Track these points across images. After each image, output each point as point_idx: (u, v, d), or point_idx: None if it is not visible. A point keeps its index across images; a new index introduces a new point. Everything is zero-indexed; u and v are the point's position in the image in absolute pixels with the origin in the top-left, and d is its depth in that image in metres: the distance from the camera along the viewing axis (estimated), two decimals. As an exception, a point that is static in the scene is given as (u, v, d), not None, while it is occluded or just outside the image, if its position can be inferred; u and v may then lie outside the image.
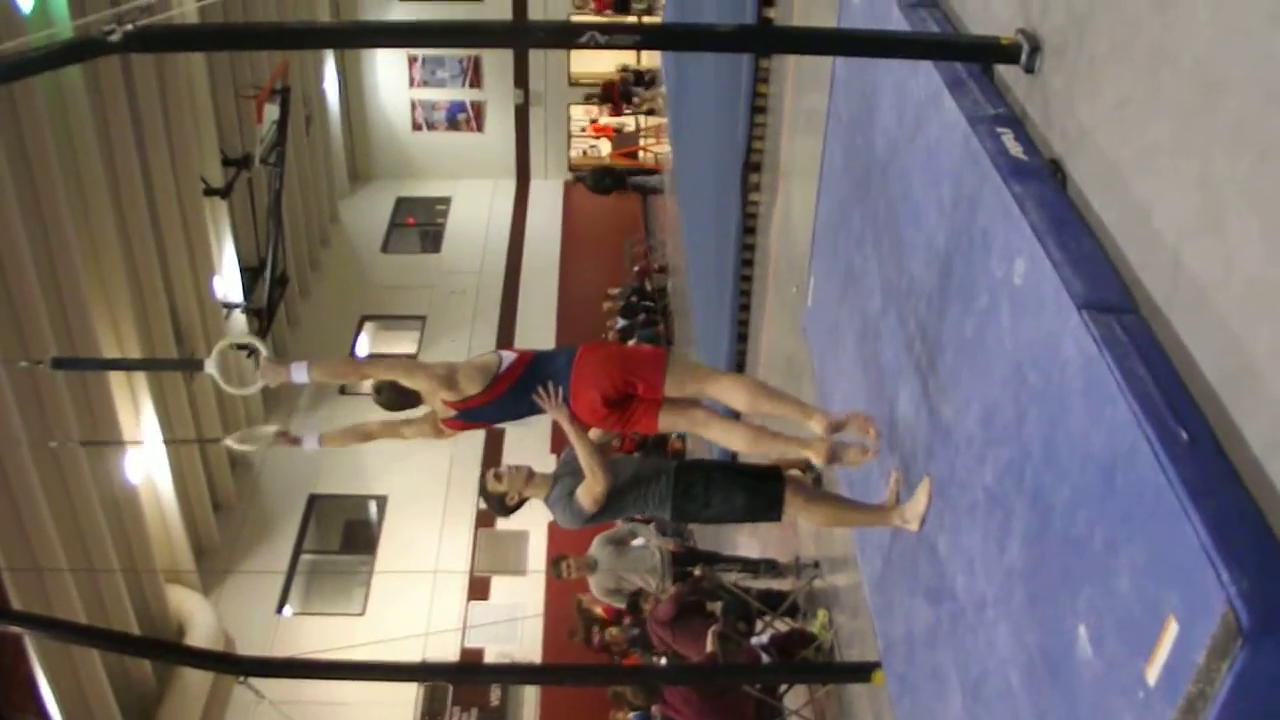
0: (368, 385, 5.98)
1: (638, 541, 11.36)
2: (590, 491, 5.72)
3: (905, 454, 5.46)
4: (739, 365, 13.59)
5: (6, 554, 13.52)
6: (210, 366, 5.92)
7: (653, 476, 5.83)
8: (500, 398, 5.70)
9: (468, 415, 5.80)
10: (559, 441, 21.51)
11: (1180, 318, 3.39)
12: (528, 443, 22.16)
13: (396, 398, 5.89)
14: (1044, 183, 4.07)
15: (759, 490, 5.83)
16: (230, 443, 6.19)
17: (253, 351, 6.09)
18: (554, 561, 11.19)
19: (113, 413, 16.41)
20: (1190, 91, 3.33)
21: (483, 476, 6.04)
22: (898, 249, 5.64)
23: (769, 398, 5.75)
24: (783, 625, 9.93)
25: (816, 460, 5.64)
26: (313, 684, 7.24)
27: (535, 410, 5.83)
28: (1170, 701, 2.95)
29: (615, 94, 31.05)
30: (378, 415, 6.11)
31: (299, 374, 5.59)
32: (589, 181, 26.66)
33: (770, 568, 10.83)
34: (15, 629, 6.83)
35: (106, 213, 16.76)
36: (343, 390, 23.89)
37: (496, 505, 6.09)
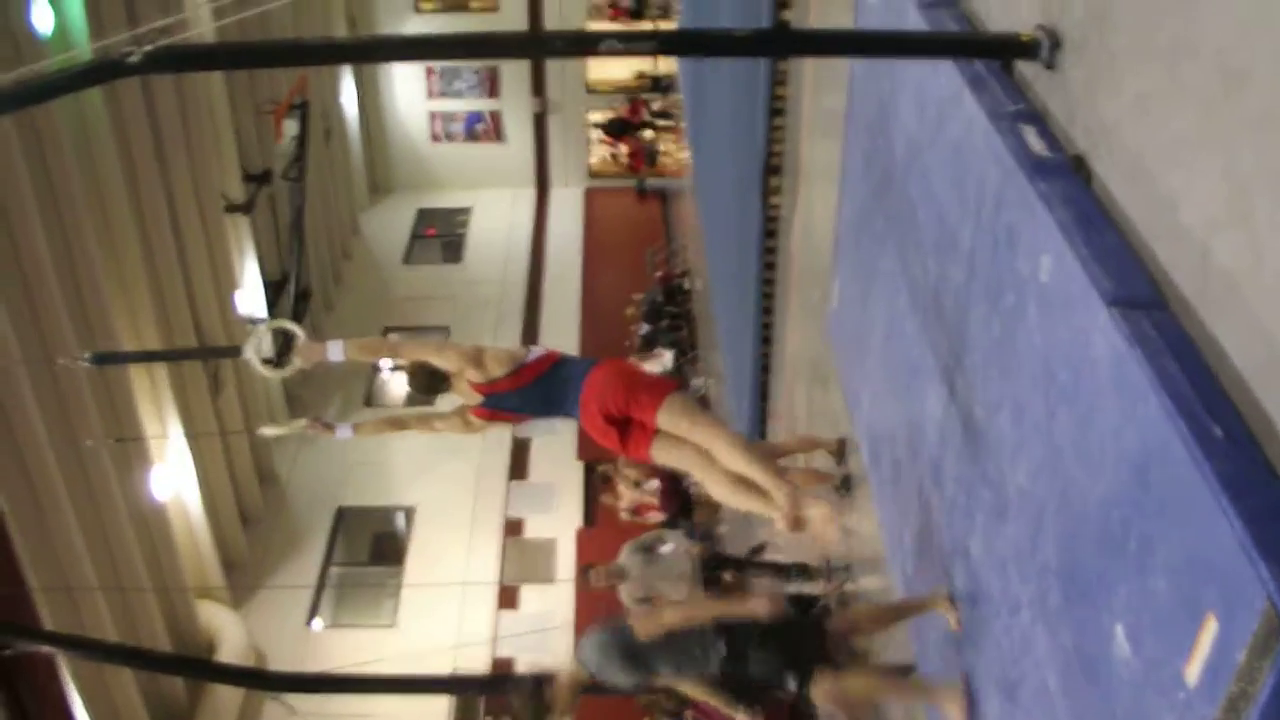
0: (396, 393, 6.10)
1: (666, 548, 11.33)
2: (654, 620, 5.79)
3: (935, 455, 5.43)
4: (764, 368, 13.55)
5: (37, 574, 13.57)
6: (248, 351, 6.04)
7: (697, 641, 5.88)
8: (525, 387, 5.87)
9: (492, 402, 5.91)
10: (584, 449, 21.46)
11: (1211, 311, 3.35)
12: (552, 453, 22.22)
13: (427, 382, 6.03)
14: (1068, 179, 4.04)
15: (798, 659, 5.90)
16: (265, 430, 6.31)
17: (290, 337, 6.17)
18: (583, 569, 11.19)
19: (137, 424, 16.47)
20: (1213, 82, 3.30)
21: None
22: (921, 249, 5.61)
23: (750, 465, 5.79)
24: (815, 629, 9.87)
25: (779, 523, 5.72)
26: (344, 697, 7.23)
27: (555, 412, 5.91)
28: (1211, 701, 2.91)
29: (631, 117, 31.12)
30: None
31: (334, 352, 5.77)
32: (605, 126, 28.55)
33: (801, 571, 10.78)
34: (48, 649, 6.84)
35: (129, 231, 16.85)
36: (368, 402, 23.98)
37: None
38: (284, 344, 6.26)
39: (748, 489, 5.86)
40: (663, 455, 5.91)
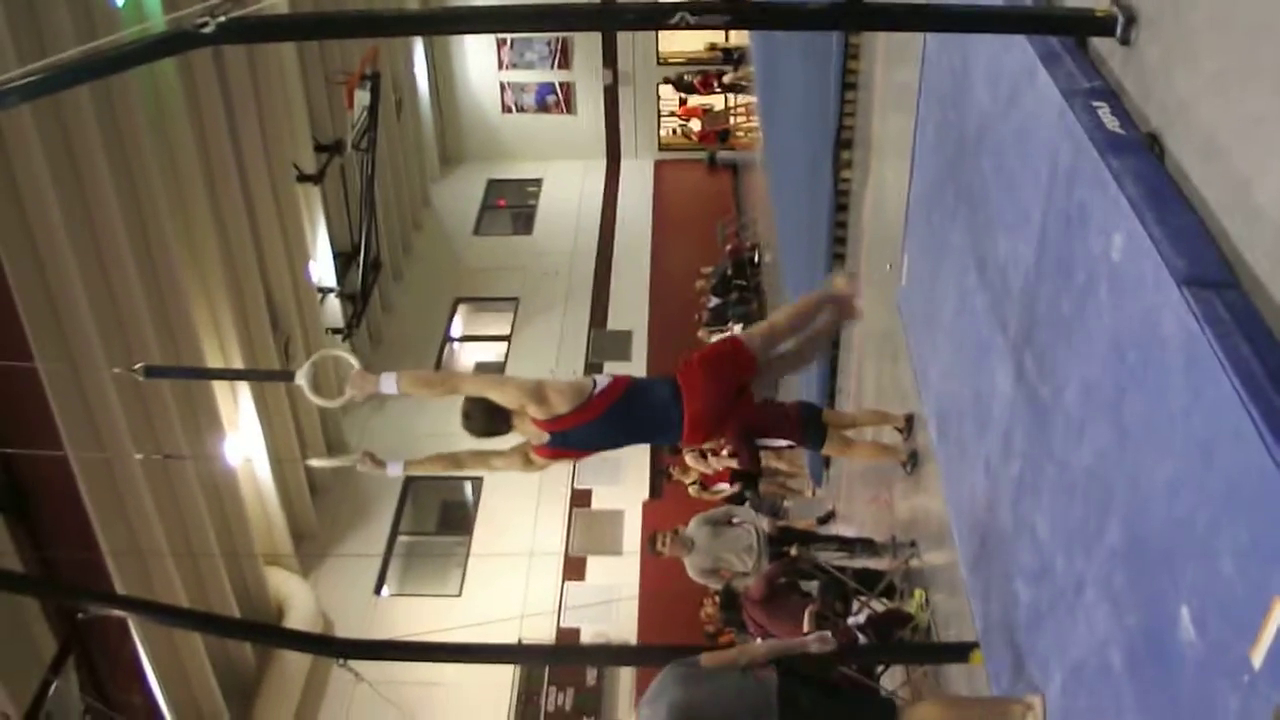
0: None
1: (735, 521, 11.34)
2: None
3: (1006, 431, 5.40)
4: (834, 343, 13.51)
5: (109, 538, 13.79)
6: (301, 379, 5.92)
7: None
8: (595, 420, 5.65)
9: (559, 440, 5.74)
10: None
11: (1284, 292, 3.32)
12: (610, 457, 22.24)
13: (486, 423, 5.82)
14: (1141, 157, 4.00)
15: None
16: (315, 462, 6.26)
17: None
18: (650, 538, 11.21)
19: (212, 401, 16.67)
20: (1292, 61, 3.26)
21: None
22: (992, 225, 5.57)
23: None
24: (879, 605, 9.86)
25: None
26: (410, 665, 7.30)
27: (646, 440, 5.81)
28: (1277, 685, 2.90)
29: (702, 90, 31.10)
30: (467, 445, 6.06)
31: (388, 385, 5.56)
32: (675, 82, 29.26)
33: (866, 547, 10.76)
34: (120, 612, 6.94)
35: (202, 202, 17.04)
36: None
37: None
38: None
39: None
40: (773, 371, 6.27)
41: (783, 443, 11.05)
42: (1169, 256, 3.52)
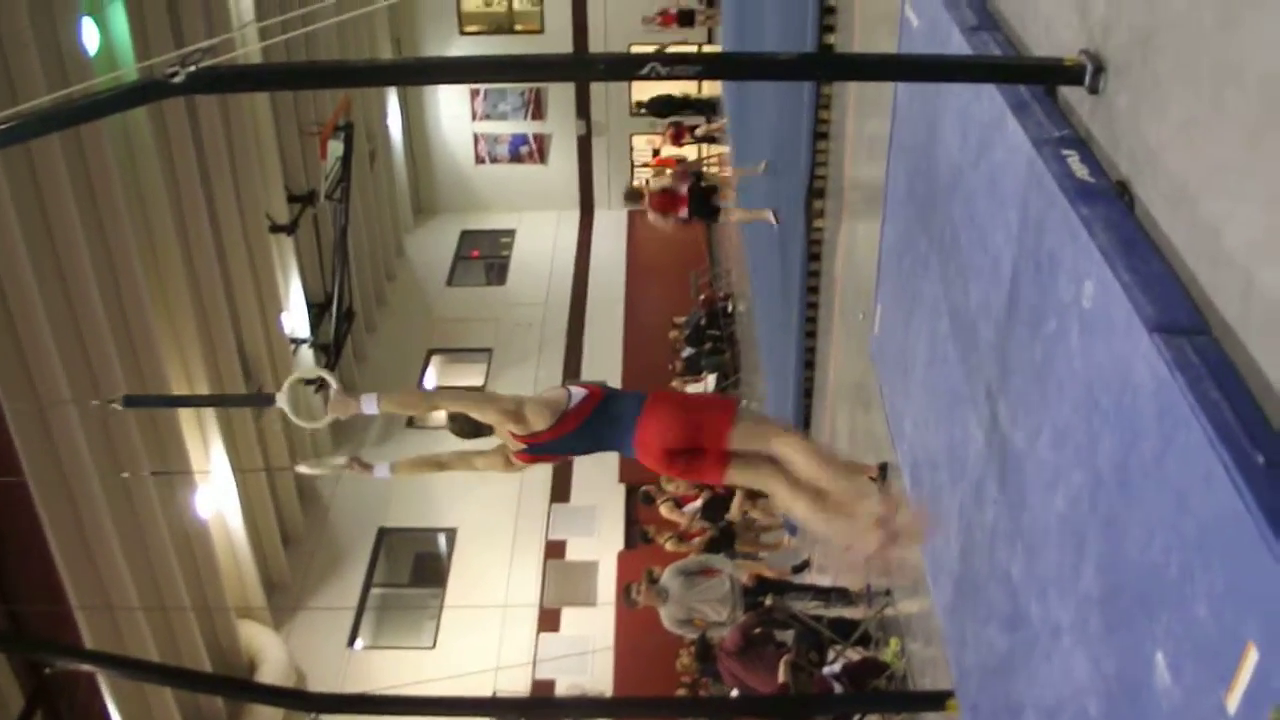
0: (439, 417, 5.93)
1: (710, 570, 11.33)
2: None
3: (979, 478, 5.41)
4: (807, 392, 13.53)
5: (78, 591, 13.67)
6: (281, 401, 5.94)
7: None
8: (569, 435, 5.67)
9: (536, 450, 5.79)
10: (626, 471, 21.41)
11: (1254, 338, 3.33)
12: (594, 475, 22.21)
13: (470, 427, 5.84)
14: (1111, 204, 4.03)
15: None
16: (302, 468, 6.19)
17: (322, 385, 6.06)
18: (625, 588, 11.21)
19: (182, 447, 16.59)
20: (1257, 109, 3.28)
21: None
22: (964, 273, 5.60)
23: (830, 469, 5.53)
24: (855, 654, 9.85)
25: (866, 541, 5.42)
26: (385, 718, 7.24)
27: (605, 449, 5.81)
28: (1252, 730, 2.89)
29: (674, 143, 30.98)
30: (450, 445, 6.08)
31: (369, 406, 5.61)
32: (648, 106, 28.58)
33: (841, 596, 10.76)
34: (88, 667, 6.88)
35: (174, 250, 17.03)
36: (410, 423, 24.04)
37: None
38: (319, 388, 6.15)
39: (831, 506, 5.52)
40: (740, 477, 5.74)
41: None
42: (1139, 303, 3.54)
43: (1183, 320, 3.49)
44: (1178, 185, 3.74)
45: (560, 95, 32.41)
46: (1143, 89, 3.98)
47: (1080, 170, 4.22)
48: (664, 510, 15.60)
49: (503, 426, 5.71)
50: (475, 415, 5.72)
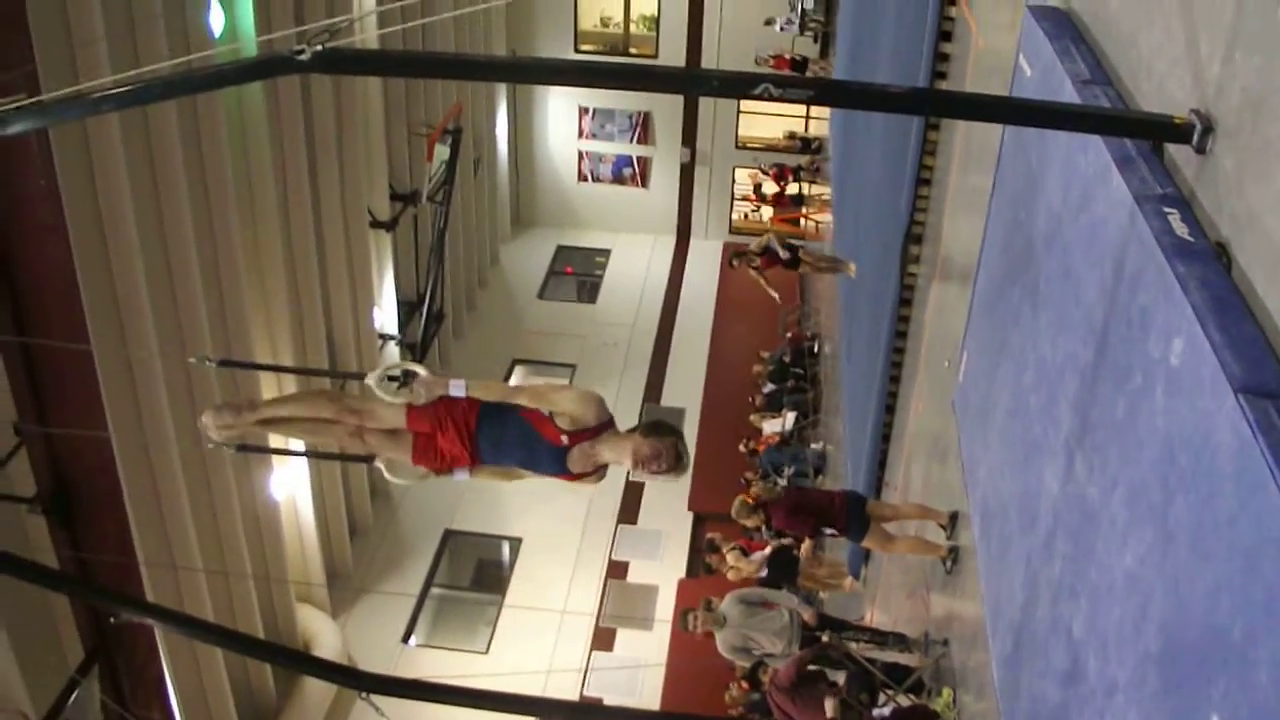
0: None
1: (771, 602, 11.33)
2: None
3: (1049, 531, 5.38)
4: (885, 437, 13.48)
5: (147, 548, 13.88)
6: (371, 379, 5.99)
7: None
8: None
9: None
10: (696, 500, 21.27)
11: (1340, 409, 3.31)
12: (663, 500, 22.22)
13: None
14: (1208, 264, 4.01)
15: None
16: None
17: (408, 379, 6.05)
18: (682, 613, 11.21)
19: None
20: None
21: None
22: (1054, 325, 5.58)
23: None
24: (906, 700, 9.79)
25: None
26: (432, 710, 7.28)
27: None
28: (1301, 799, 2.87)
29: (778, 183, 31.06)
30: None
31: (456, 389, 5.68)
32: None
33: (899, 641, 10.70)
34: (150, 621, 6.97)
35: (274, 232, 17.26)
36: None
37: None
38: (406, 380, 6.10)
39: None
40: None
41: (828, 531, 11.06)
42: (1228, 363, 3.52)
43: (1270, 383, 3.47)
44: (1278, 249, 3.72)
45: (667, 121, 32.54)
46: (1250, 152, 3.96)
47: (1180, 228, 4.20)
48: (730, 559, 15.57)
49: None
50: (546, 408, 5.67)
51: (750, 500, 11.27)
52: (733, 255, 18.48)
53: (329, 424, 5.87)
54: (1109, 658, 4.38)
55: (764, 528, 13.86)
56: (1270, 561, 3.14)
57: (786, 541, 15.95)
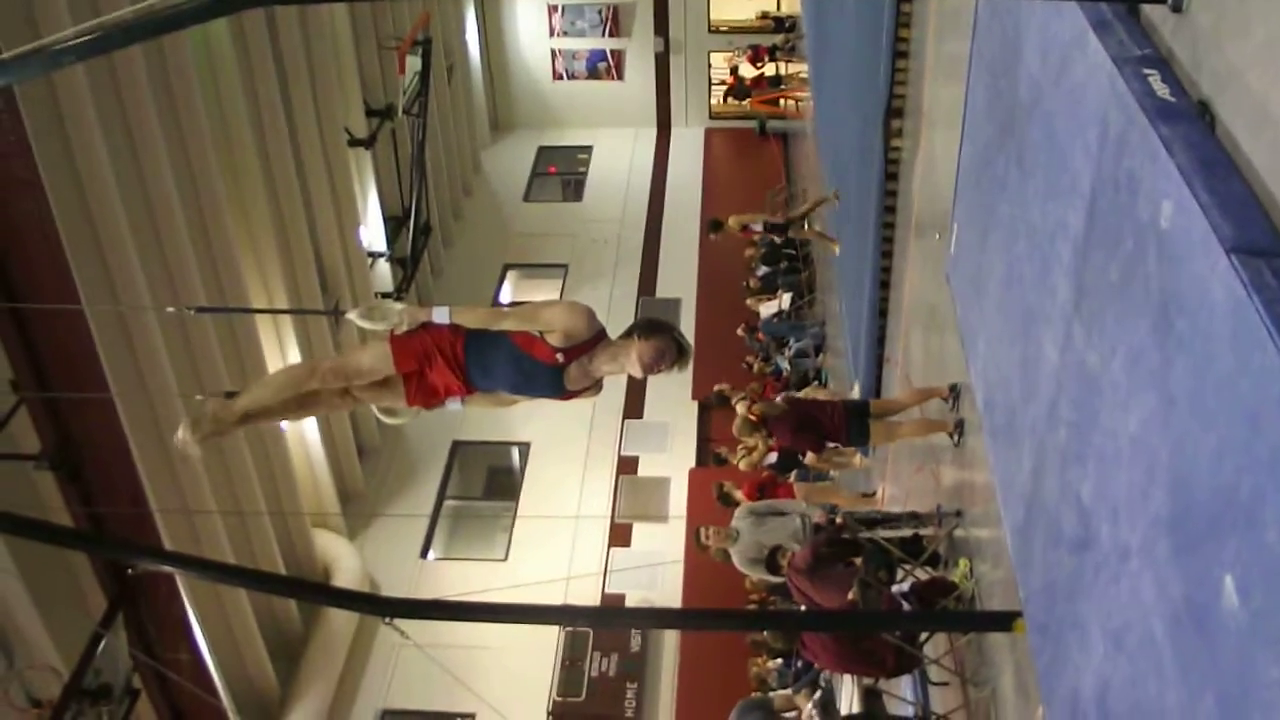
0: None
1: (782, 511, 11.46)
2: None
3: (1052, 399, 5.39)
4: (882, 312, 13.48)
5: (159, 497, 13.93)
6: (354, 314, 5.95)
7: None
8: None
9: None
10: (699, 389, 21.41)
11: (1333, 261, 3.29)
12: (667, 392, 22.27)
13: None
14: (1192, 124, 3.97)
15: None
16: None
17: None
18: (695, 532, 11.38)
19: (261, 360, 16.79)
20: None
21: None
22: (1042, 193, 5.55)
23: None
24: (923, 574, 9.88)
25: None
26: (456, 627, 7.35)
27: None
28: (1318, 653, 2.89)
29: (753, 63, 30.83)
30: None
31: (440, 316, 5.64)
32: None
33: (912, 518, 10.77)
34: (169, 568, 7.02)
35: (253, 164, 17.18)
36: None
37: None
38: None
39: None
40: None
41: (830, 445, 11.20)
42: (1218, 224, 3.50)
43: (1261, 241, 3.45)
44: (1259, 105, 3.69)
45: (638, 12, 32.21)
46: (1226, 7, 3.92)
47: (1161, 89, 4.16)
48: (742, 465, 15.58)
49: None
50: (532, 327, 5.60)
51: (753, 418, 11.27)
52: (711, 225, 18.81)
53: (313, 395, 5.83)
54: (1120, 522, 4.40)
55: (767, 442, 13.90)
56: (1273, 421, 3.14)
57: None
